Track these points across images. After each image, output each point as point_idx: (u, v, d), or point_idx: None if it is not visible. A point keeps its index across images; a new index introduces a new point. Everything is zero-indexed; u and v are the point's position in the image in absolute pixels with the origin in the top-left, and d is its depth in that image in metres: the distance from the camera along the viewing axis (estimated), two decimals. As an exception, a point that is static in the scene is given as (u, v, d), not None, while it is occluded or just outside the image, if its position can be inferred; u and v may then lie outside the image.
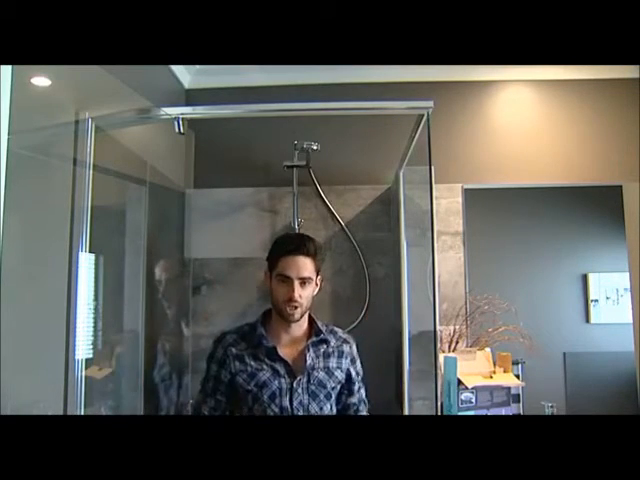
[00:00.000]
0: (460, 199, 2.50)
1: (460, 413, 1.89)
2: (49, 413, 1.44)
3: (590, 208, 3.95)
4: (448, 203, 2.48)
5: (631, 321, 2.60)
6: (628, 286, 2.70)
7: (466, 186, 2.51)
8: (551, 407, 2.23)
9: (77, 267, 1.54)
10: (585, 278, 4.15)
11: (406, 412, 2.00)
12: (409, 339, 2.02)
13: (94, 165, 1.58)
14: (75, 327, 1.51)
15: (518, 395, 2.11)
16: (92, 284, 1.76)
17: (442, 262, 2.43)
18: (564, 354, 4.07)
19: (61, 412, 1.45)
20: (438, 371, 1.79)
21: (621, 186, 2.62)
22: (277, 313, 1.65)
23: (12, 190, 1.12)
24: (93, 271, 1.80)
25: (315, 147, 2.33)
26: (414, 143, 1.86)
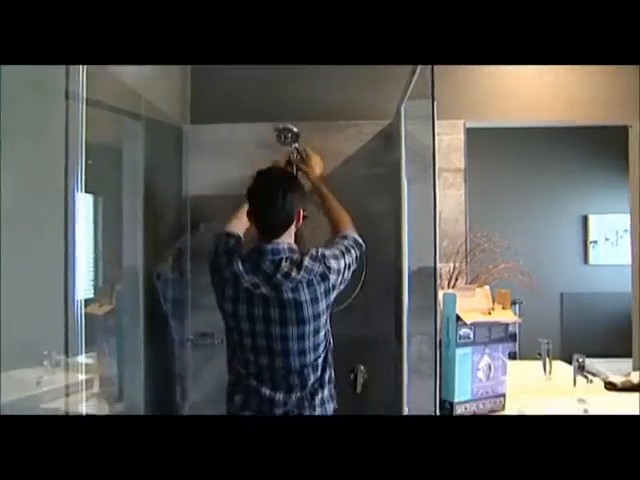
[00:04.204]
0: (462, 136, 2.45)
1: (458, 349, 1.91)
2: (52, 353, 1.47)
3: (593, 149, 3.91)
4: (450, 140, 2.44)
5: (629, 262, 2.59)
6: (628, 227, 2.68)
7: (468, 125, 2.46)
8: (547, 344, 2.26)
9: (74, 206, 1.52)
10: (585, 219, 4.17)
11: (405, 346, 2.03)
12: (409, 275, 2.03)
13: (87, 99, 1.53)
14: (74, 266, 1.50)
15: (515, 334, 2.13)
16: (90, 223, 1.76)
17: (443, 199, 2.40)
18: (561, 294, 4.13)
19: (62, 352, 1.46)
20: (437, 307, 1.80)
21: (626, 126, 2.56)
22: None
23: (4, 125, 1.11)
24: (92, 209, 1.79)
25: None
26: (416, 76, 1.81)
